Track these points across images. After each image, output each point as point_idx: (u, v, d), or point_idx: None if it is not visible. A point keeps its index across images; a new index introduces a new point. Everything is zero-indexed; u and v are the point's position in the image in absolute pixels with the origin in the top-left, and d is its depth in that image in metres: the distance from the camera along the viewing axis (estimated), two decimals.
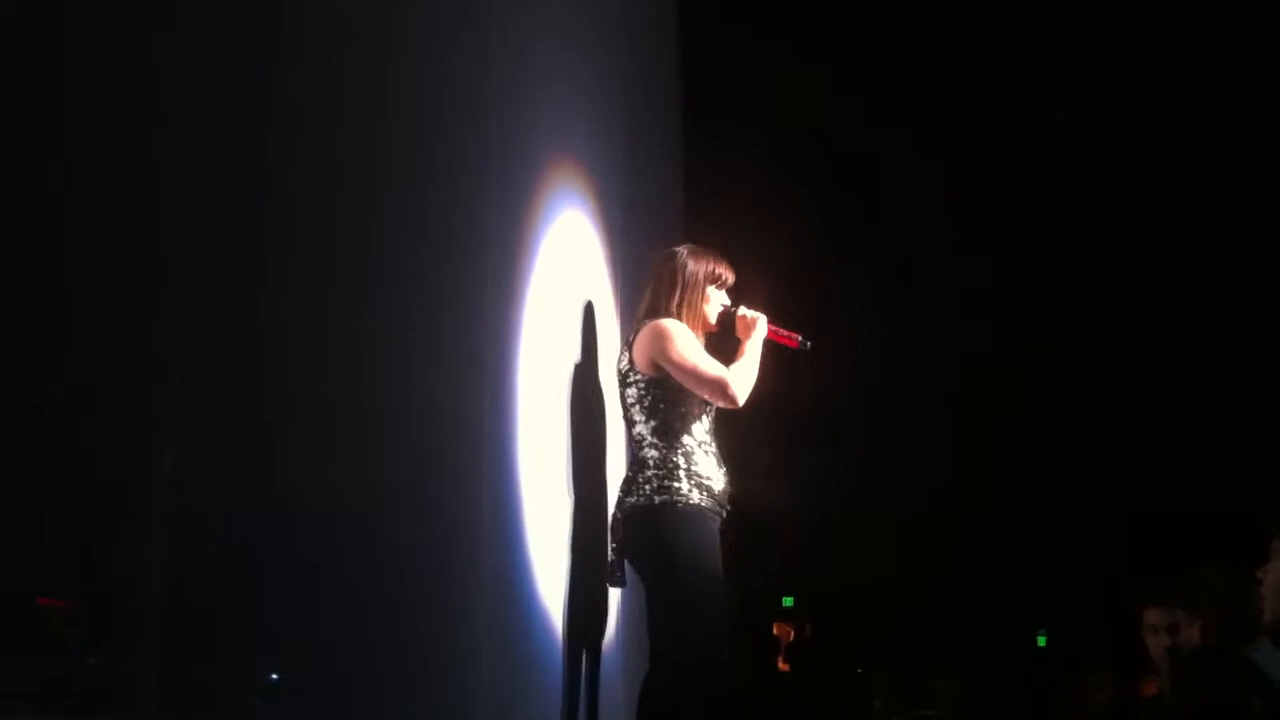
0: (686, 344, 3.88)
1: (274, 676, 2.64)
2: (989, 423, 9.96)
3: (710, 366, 3.87)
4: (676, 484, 3.81)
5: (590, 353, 4.47)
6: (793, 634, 11.12)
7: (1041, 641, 11.79)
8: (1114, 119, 8.46)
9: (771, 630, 11.04)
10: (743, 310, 4.06)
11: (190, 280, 2.36)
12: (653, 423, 3.88)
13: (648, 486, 3.82)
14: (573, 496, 4.25)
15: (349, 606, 2.88)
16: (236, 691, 2.49)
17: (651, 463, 3.84)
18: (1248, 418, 8.71)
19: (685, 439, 3.87)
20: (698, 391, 3.88)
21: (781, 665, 10.75)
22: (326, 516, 2.79)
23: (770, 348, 4.08)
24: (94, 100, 2.12)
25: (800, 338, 4.09)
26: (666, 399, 3.88)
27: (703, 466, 3.87)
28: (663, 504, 3.80)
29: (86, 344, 2.11)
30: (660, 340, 3.87)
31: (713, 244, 4.20)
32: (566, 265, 4.54)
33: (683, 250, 4.07)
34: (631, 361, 3.92)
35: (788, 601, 11.81)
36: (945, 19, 8.22)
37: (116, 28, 2.16)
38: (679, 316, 3.95)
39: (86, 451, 2.09)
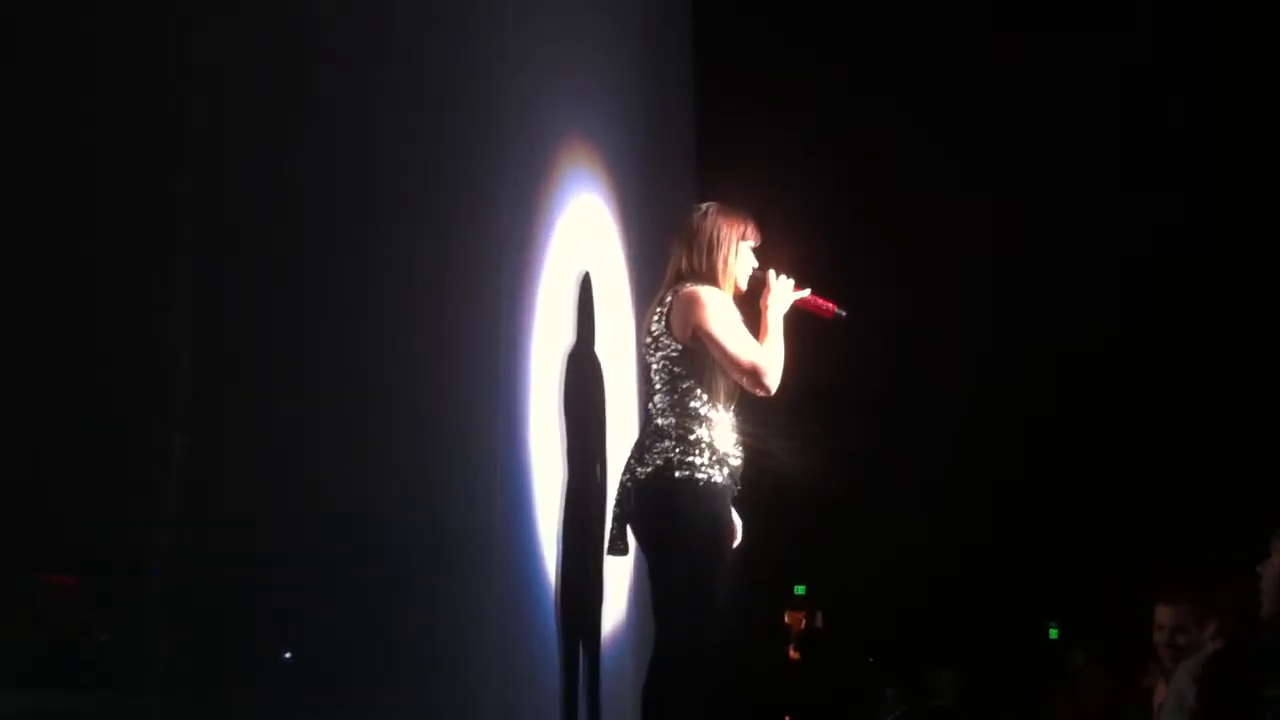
0: (728, 319, 3.73)
1: (282, 658, 2.65)
2: (1005, 416, 9.94)
3: (746, 351, 3.71)
4: (698, 459, 3.66)
5: (588, 329, 4.39)
6: (804, 622, 11.11)
7: (1053, 634, 11.76)
8: (1114, 118, 8.43)
9: (783, 618, 11.03)
10: (770, 276, 3.89)
11: (200, 267, 2.37)
12: (678, 392, 3.72)
13: (663, 458, 3.67)
14: (565, 474, 4.19)
15: (356, 594, 2.89)
16: (240, 674, 2.50)
17: (672, 433, 3.69)
18: (1249, 416, 8.68)
19: (709, 411, 3.71)
20: (730, 373, 3.73)
21: (792, 654, 10.74)
22: (336, 502, 2.81)
23: (800, 320, 3.92)
24: (99, 95, 2.13)
25: (836, 307, 3.93)
26: (698, 368, 3.73)
27: (723, 441, 3.72)
28: (682, 479, 3.64)
29: (96, 333, 2.12)
30: (700, 309, 3.70)
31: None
32: (580, 250, 4.52)
33: (711, 207, 3.88)
34: (667, 326, 3.75)
35: (799, 590, 11.78)
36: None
37: (124, 19, 2.17)
38: (713, 278, 3.78)
39: (94, 434, 2.11)
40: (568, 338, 4.31)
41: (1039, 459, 10.16)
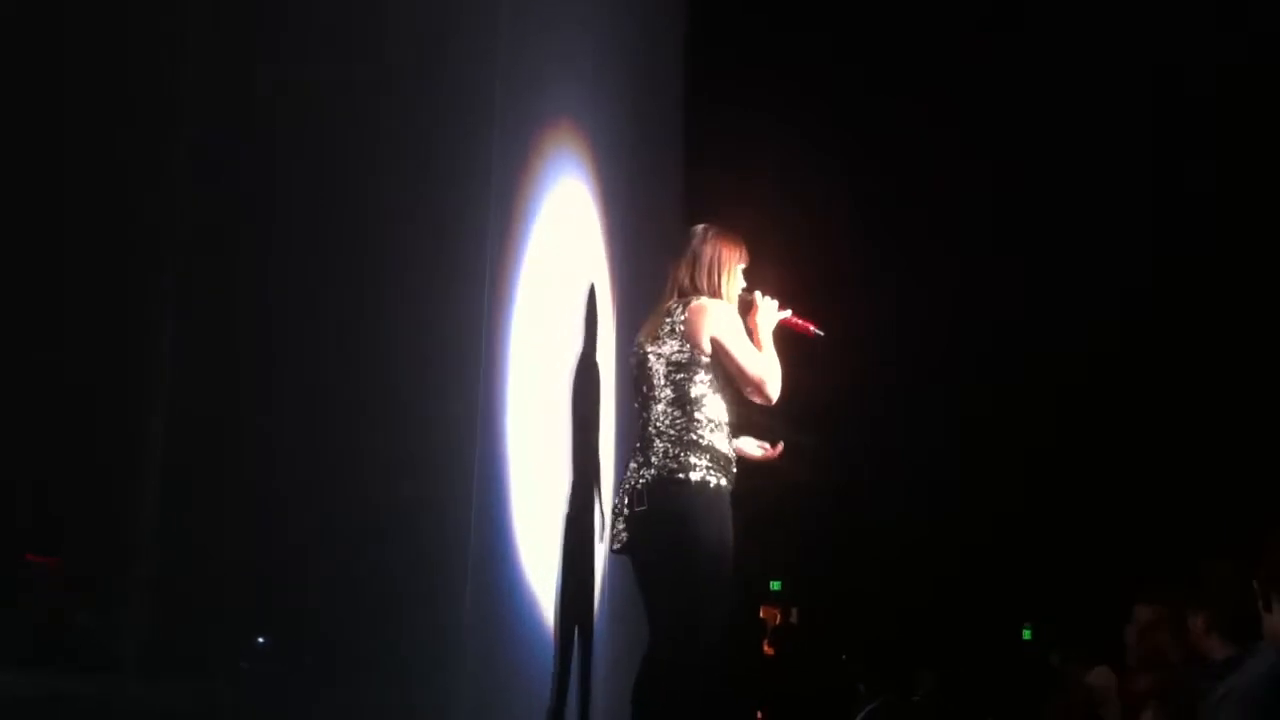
0: (741, 333, 3.89)
1: (260, 640, 2.64)
2: (983, 419, 9.97)
3: (757, 364, 3.88)
4: (706, 463, 3.76)
5: (591, 335, 4.45)
6: (779, 618, 11.16)
7: (1027, 634, 11.86)
8: (1113, 118, 8.45)
9: (758, 614, 11.08)
10: (757, 296, 4.04)
11: (184, 261, 2.36)
12: (688, 399, 3.82)
13: (675, 461, 3.75)
14: (570, 479, 4.21)
15: (336, 575, 2.89)
16: (222, 653, 2.49)
17: (681, 437, 3.78)
18: (1242, 417, 8.72)
19: (717, 416, 3.83)
20: (738, 381, 3.88)
21: (766, 649, 10.77)
22: (316, 490, 2.79)
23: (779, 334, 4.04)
24: (94, 92, 2.12)
25: (815, 327, 4.09)
26: (709, 376, 3.85)
27: (724, 446, 3.83)
28: (694, 482, 3.74)
29: (87, 322, 2.12)
30: (718, 322, 3.85)
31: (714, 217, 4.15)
32: (564, 238, 4.52)
33: (710, 230, 4.02)
34: (682, 335, 3.87)
35: (775, 585, 11.85)
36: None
37: (119, 14, 2.16)
38: (714, 295, 3.92)
39: (83, 418, 2.10)
40: (549, 335, 4.32)
41: (1025, 461, 10.20)
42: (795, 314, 4.07)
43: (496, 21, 3.93)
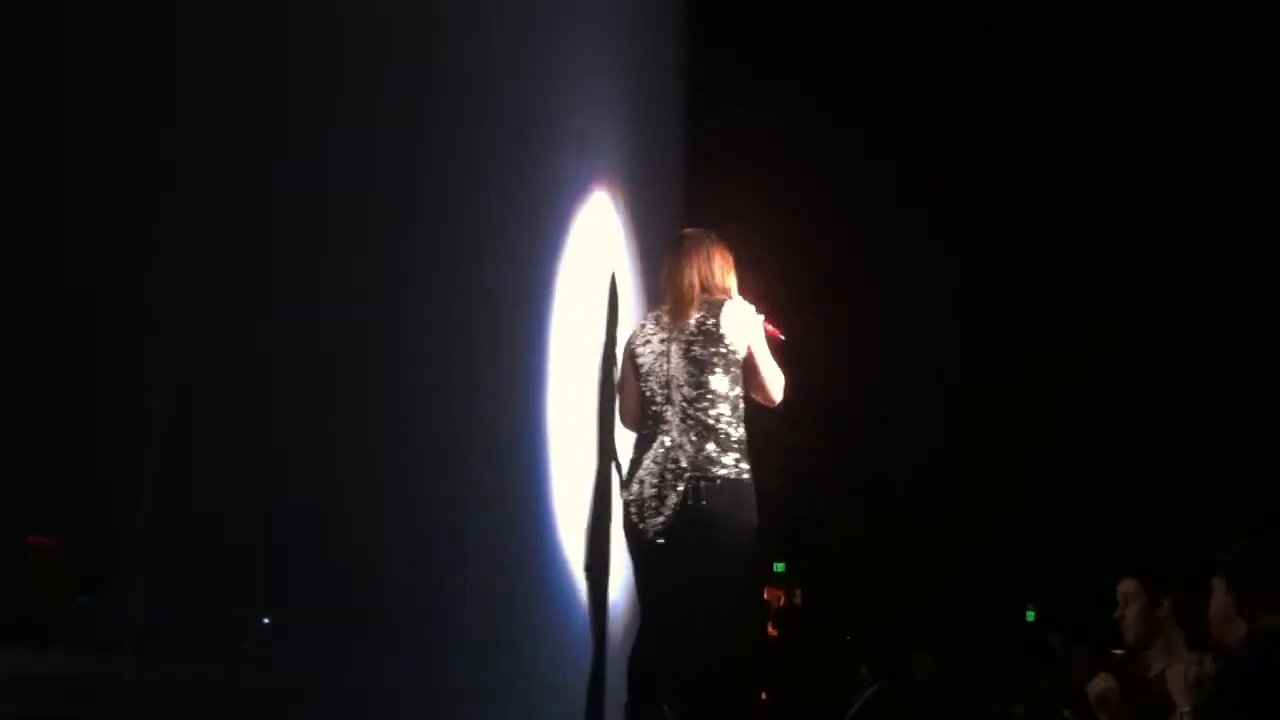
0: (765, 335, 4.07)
1: (265, 620, 2.67)
2: (983, 419, 10.00)
3: (775, 369, 4.06)
4: (746, 457, 3.93)
5: (612, 330, 4.53)
6: (783, 599, 11.20)
7: (1030, 616, 11.90)
8: (1113, 118, 8.44)
9: (762, 595, 11.11)
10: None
11: (185, 254, 2.38)
12: (723, 396, 3.97)
13: (729, 457, 3.91)
14: (596, 468, 4.30)
15: (334, 573, 2.91)
16: (224, 633, 2.52)
17: (732, 434, 3.94)
18: (1242, 417, 8.74)
19: (742, 411, 4.01)
20: (753, 382, 4.05)
21: (770, 630, 10.81)
22: (316, 489, 2.82)
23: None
24: (90, 96, 2.14)
25: (781, 332, 4.25)
26: (737, 373, 4.02)
27: (746, 438, 4.01)
28: (751, 479, 3.92)
29: (85, 320, 2.15)
30: (754, 324, 4.04)
31: (714, 218, 4.39)
32: (565, 235, 4.55)
33: (711, 231, 4.22)
34: (721, 336, 4.01)
35: (779, 567, 11.89)
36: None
37: (113, 19, 2.19)
38: (728, 295, 4.10)
39: (80, 393, 2.13)
40: (555, 331, 4.34)
41: (1025, 461, 10.22)
42: (767, 318, 4.22)
43: (495, 22, 3.95)
